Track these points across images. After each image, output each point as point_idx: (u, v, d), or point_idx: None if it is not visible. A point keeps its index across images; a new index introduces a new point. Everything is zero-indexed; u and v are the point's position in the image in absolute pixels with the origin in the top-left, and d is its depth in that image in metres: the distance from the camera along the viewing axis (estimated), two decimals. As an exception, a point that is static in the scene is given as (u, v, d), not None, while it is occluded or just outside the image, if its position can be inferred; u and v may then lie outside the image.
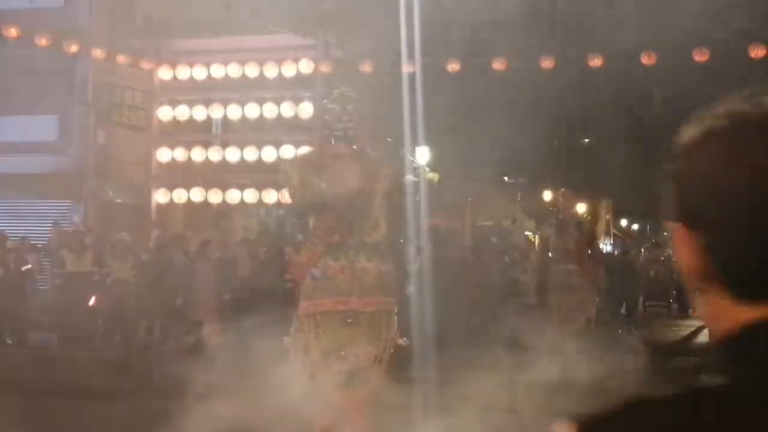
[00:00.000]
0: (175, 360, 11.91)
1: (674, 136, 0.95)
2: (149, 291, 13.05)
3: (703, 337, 16.66)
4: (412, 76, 14.50)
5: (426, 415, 7.42)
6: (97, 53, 16.03)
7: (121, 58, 16.52)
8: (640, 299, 20.77)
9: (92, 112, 17.35)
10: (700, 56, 14.49)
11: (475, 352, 11.76)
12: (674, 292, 21.75)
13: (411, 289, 12.88)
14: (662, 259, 22.31)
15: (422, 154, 16.25)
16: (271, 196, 15.49)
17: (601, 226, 28.81)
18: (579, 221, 11.82)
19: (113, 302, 13.02)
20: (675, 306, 21.55)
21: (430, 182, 16.02)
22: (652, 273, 21.55)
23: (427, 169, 16.06)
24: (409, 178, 16.09)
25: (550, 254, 11.05)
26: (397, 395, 8.44)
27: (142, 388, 9.15)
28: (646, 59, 14.86)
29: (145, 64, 16.49)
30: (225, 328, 13.39)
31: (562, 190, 11.37)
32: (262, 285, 13.44)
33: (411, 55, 14.34)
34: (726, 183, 0.89)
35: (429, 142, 16.04)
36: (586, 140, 26.62)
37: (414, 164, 15.93)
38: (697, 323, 18.63)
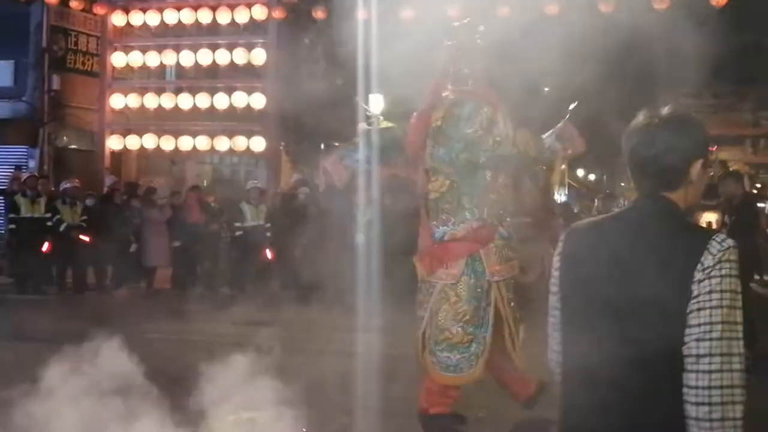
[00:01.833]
0: (127, 304, 12.10)
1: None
2: (101, 237, 13.10)
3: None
4: (366, 22, 14.46)
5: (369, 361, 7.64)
6: (52, -2, 15.91)
7: (74, 4, 16.37)
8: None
9: (47, 58, 17.23)
10: (658, 4, 14.50)
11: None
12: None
13: (360, 238, 13.03)
14: (615, 210, 22.48)
15: (377, 102, 16.23)
16: (223, 144, 15.49)
17: (556, 177, 29.10)
18: (533, 172, 11.53)
19: (66, 247, 13.05)
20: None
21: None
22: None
23: (382, 117, 16.03)
24: (363, 126, 16.15)
25: None
26: (342, 343, 8.70)
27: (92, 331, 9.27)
28: (604, 7, 14.85)
29: (99, 10, 16.32)
30: (175, 274, 13.58)
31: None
32: (212, 232, 13.56)
33: (366, 1, 14.29)
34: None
35: (384, 90, 16.02)
36: (545, 88, 26.69)
37: (368, 113, 15.92)
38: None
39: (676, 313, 2.10)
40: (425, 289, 5.57)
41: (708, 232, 2.23)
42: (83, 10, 16.83)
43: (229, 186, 16.21)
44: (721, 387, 2.05)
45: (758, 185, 28.61)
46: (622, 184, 31.53)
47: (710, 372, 2.05)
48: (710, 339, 2.06)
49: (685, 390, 2.10)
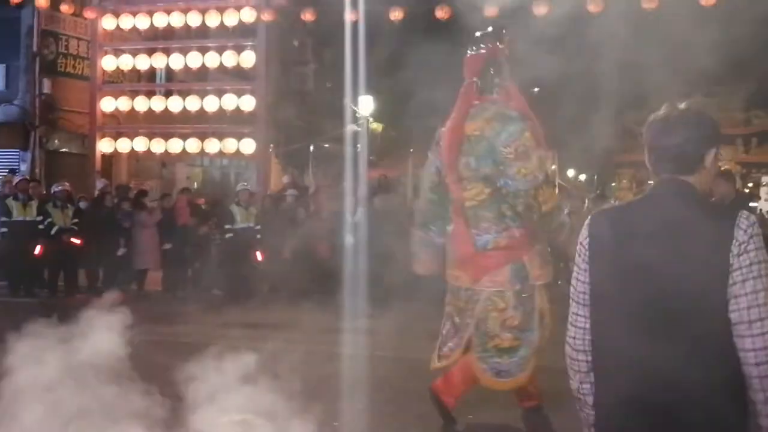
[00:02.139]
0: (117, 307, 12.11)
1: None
2: (92, 240, 13.16)
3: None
4: (355, 24, 14.56)
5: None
6: (42, 2, 15.96)
7: (65, 8, 16.42)
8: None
9: (38, 62, 17.32)
10: (647, 3, 14.55)
11: (409, 302, 12.08)
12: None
13: (349, 239, 13.10)
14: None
15: (366, 104, 16.32)
16: (213, 146, 15.55)
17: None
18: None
19: (57, 250, 13.09)
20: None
21: (373, 132, 16.10)
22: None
23: (371, 119, 16.13)
24: (352, 127, 16.26)
25: None
26: (327, 344, 8.76)
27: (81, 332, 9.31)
28: (593, 7, 14.90)
29: (89, 14, 16.38)
30: (166, 277, 13.62)
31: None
32: (202, 234, 13.62)
33: (354, 3, 14.37)
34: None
35: (373, 91, 16.12)
36: (535, 89, 26.70)
37: (357, 114, 16.02)
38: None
39: (716, 283, 2.38)
40: (467, 297, 5.67)
41: (731, 209, 2.50)
42: (74, 14, 16.91)
43: (219, 188, 16.27)
44: None
45: (750, 184, 28.75)
46: (613, 184, 31.62)
47: (763, 334, 2.36)
48: (758, 305, 2.36)
49: (742, 354, 2.37)
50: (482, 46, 5.80)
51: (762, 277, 2.38)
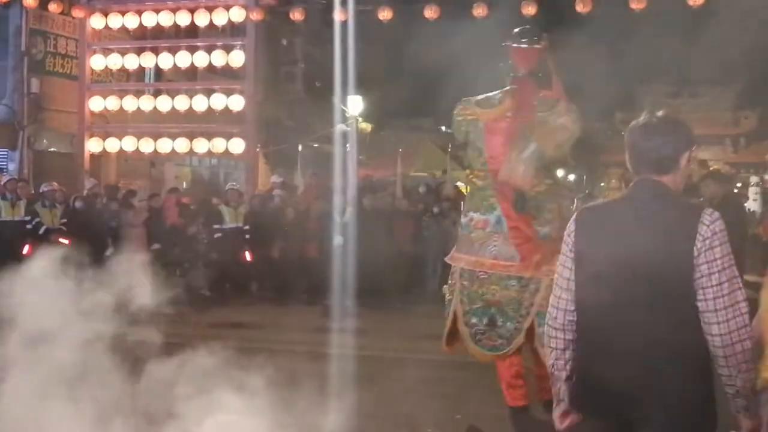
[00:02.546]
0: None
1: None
2: (80, 240, 13.08)
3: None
4: (344, 24, 14.54)
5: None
6: (30, 1, 15.88)
7: (53, 7, 16.33)
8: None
9: (26, 61, 17.24)
10: (636, 4, 14.53)
11: (398, 302, 12.10)
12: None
13: (339, 239, 13.09)
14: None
15: (355, 104, 16.31)
16: (202, 146, 15.51)
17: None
18: None
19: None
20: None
21: (362, 132, 16.09)
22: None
23: (360, 118, 16.12)
24: (341, 127, 16.25)
25: None
26: (313, 343, 8.75)
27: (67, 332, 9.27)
28: (580, 7, 14.89)
29: (77, 13, 16.30)
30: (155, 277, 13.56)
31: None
32: (191, 234, 13.58)
33: (343, 2, 14.36)
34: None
35: (362, 91, 16.11)
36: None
37: (346, 114, 16.01)
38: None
39: (682, 273, 2.74)
40: (520, 286, 5.77)
41: (697, 206, 2.88)
42: (62, 13, 16.81)
43: (208, 188, 16.23)
44: (738, 329, 2.73)
45: (739, 184, 28.81)
46: (602, 184, 31.61)
47: (727, 320, 2.72)
48: (722, 296, 2.72)
49: (709, 338, 2.74)
50: (534, 40, 5.92)
51: (725, 270, 2.73)
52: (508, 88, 5.94)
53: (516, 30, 6.05)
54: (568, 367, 2.97)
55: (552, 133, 5.73)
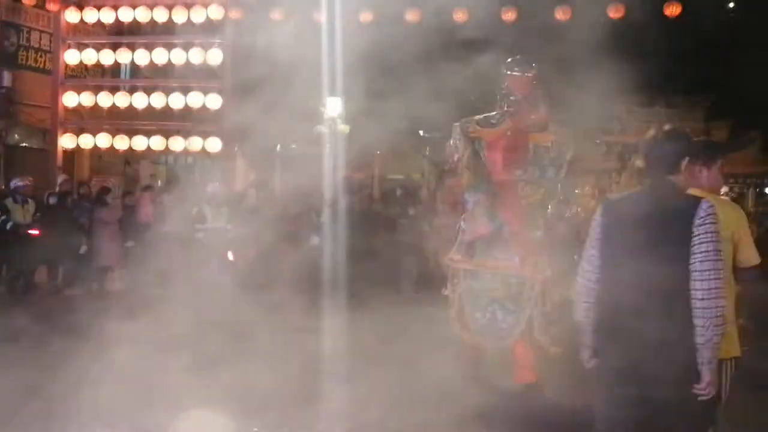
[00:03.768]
0: (78, 305, 11.88)
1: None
2: (53, 236, 12.87)
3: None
4: (324, 25, 14.41)
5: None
6: (2, -7, 15.64)
7: (26, 0, 16.11)
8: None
9: (-3, 54, 16.97)
10: (614, 13, 14.63)
11: (375, 301, 12.01)
12: (577, 248, 22.19)
13: (316, 239, 13.01)
14: (567, 215, 22.65)
15: (334, 105, 16.19)
16: (178, 144, 15.32)
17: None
18: None
19: (15, 247, 12.79)
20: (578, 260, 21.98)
21: (340, 134, 15.99)
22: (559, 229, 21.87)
23: (339, 120, 16.02)
24: (320, 128, 16.13)
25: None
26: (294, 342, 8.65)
27: (45, 332, 9.12)
28: (560, 15, 14.96)
29: (52, 6, 16.03)
30: (128, 275, 13.37)
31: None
32: (166, 232, 13.39)
33: (324, 4, 14.23)
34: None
35: (343, 93, 15.99)
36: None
37: (325, 115, 15.91)
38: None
39: (683, 245, 3.58)
40: (518, 283, 6.85)
41: (697, 197, 3.71)
42: (36, 5, 16.57)
43: (186, 187, 16.02)
44: (716, 288, 3.55)
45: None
46: (576, 191, 31.83)
47: (708, 279, 3.55)
48: (707, 260, 3.56)
49: (692, 292, 3.56)
50: (526, 69, 6.91)
51: (712, 242, 3.57)
52: (505, 110, 6.93)
53: (510, 59, 7.00)
54: (590, 322, 3.87)
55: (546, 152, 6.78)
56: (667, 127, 3.86)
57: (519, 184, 6.84)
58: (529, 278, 6.75)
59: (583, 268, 3.91)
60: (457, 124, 7.10)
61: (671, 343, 3.56)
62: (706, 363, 3.56)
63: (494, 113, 7.02)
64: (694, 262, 3.56)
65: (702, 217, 3.59)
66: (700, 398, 3.59)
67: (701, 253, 3.56)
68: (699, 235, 3.57)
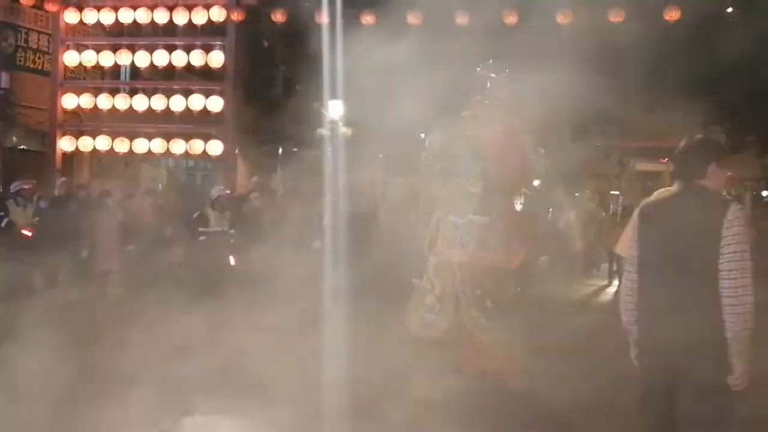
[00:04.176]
0: (77, 308, 11.76)
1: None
2: (52, 240, 12.74)
3: (603, 297, 17.13)
4: (326, 27, 14.32)
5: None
6: (-1, -7, 15.50)
7: (25, 0, 15.96)
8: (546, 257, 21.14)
9: (-6, 55, 16.82)
10: (614, 17, 14.58)
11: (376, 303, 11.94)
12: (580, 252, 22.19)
13: (318, 243, 12.90)
14: (570, 219, 22.62)
15: (336, 108, 16.11)
16: (179, 147, 15.19)
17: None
18: None
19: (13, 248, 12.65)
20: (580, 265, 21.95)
21: (343, 137, 15.92)
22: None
23: (341, 123, 15.94)
24: (321, 131, 16.05)
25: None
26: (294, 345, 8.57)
27: (45, 336, 9.01)
28: (561, 19, 14.90)
29: (51, 7, 15.90)
30: (128, 278, 13.25)
31: None
32: (167, 236, 13.28)
33: (326, 5, 14.16)
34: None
35: (345, 96, 15.91)
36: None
37: (328, 118, 15.83)
38: (599, 283, 19.12)
39: (714, 245, 3.87)
40: (508, 274, 7.42)
41: (727, 200, 4.04)
42: (34, 6, 16.42)
43: (188, 190, 15.93)
44: (743, 286, 3.84)
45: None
46: (576, 194, 31.81)
47: (736, 278, 3.84)
48: (735, 260, 3.86)
49: (723, 290, 3.85)
50: (501, 72, 7.56)
51: (740, 244, 3.86)
52: (486, 110, 7.56)
53: (488, 62, 7.72)
54: (634, 321, 4.21)
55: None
56: (698, 135, 4.22)
57: (470, 178, 7.37)
58: (514, 271, 7.34)
59: (626, 269, 4.32)
60: (449, 124, 7.72)
61: (705, 337, 3.88)
62: (737, 355, 3.87)
63: (476, 112, 7.66)
64: (723, 262, 3.84)
65: (730, 220, 3.87)
66: (733, 388, 3.89)
67: (729, 253, 3.85)
68: (727, 237, 3.85)
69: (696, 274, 3.91)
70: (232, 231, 12.95)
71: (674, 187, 4.16)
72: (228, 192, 13.57)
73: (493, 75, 7.55)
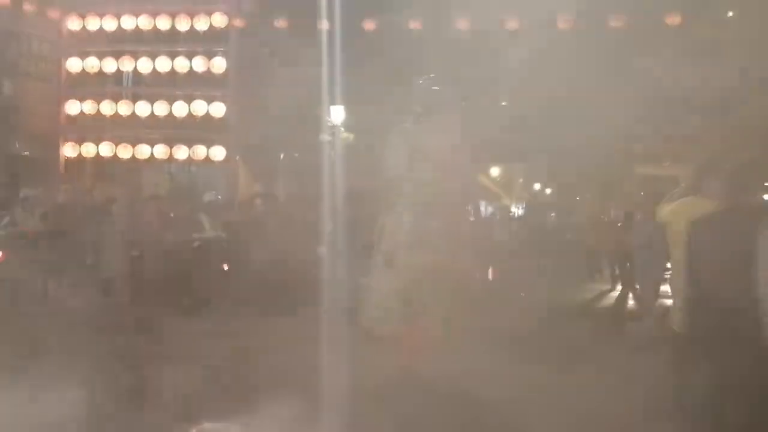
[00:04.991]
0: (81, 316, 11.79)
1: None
2: (56, 246, 12.80)
3: (607, 301, 17.13)
4: (327, 33, 14.38)
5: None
6: (3, 0, 15.52)
7: (27, 6, 16.01)
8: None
9: (-3, 62, 16.85)
10: (615, 22, 14.66)
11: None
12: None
13: (322, 249, 12.91)
14: (573, 222, 22.70)
15: (338, 114, 16.15)
16: (181, 152, 15.25)
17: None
18: None
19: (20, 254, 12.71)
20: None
21: (344, 142, 15.98)
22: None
23: (343, 128, 15.99)
24: (323, 137, 16.07)
25: None
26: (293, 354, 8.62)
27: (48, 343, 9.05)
28: (562, 24, 14.97)
29: (53, 14, 15.98)
30: (133, 285, 13.26)
31: None
32: (170, 242, 13.31)
33: (328, 12, 14.21)
34: None
35: (346, 101, 15.97)
36: (503, 103, 26.87)
37: (329, 124, 15.87)
38: (601, 288, 19.12)
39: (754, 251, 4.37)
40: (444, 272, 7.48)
41: (764, 213, 4.57)
42: (37, 13, 16.45)
43: (187, 196, 15.95)
44: None
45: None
46: (577, 198, 31.79)
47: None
48: None
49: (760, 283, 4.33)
50: (437, 85, 7.92)
51: None
52: (426, 116, 7.77)
53: (426, 76, 8.02)
54: (685, 319, 4.82)
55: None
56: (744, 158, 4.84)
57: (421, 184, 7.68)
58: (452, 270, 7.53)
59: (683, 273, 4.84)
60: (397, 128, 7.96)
61: (752, 327, 4.35)
62: None
63: (420, 118, 7.91)
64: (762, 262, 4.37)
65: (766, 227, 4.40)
66: None
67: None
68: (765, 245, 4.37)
69: (743, 277, 4.47)
70: (225, 236, 13.03)
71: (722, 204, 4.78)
72: (219, 196, 13.63)
73: (435, 87, 7.95)
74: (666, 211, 5.62)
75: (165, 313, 11.23)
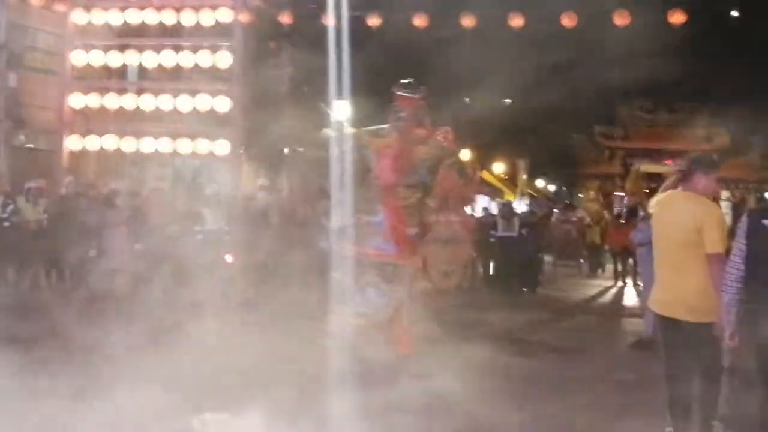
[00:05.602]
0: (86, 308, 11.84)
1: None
2: (60, 238, 12.86)
3: (608, 296, 17.20)
4: (332, 29, 14.38)
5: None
6: (10, -6, 15.60)
7: (34, 0, 16.05)
8: (551, 258, 21.28)
9: (3, 55, 16.87)
10: (620, 20, 14.64)
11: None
12: (585, 253, 22.33)
13: (325, 243, 12.94)
14: (574, 220, 22.79)
15: (342, 109, 16.13)
16: (185, 146, 15.29)
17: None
18: (461, 166, 10.29)
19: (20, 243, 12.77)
20: (585, 266, 22.08)
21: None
22: (565, 233, 22.01)
23: (347, 123, 15.94)
24: (328, 132, 16.03)
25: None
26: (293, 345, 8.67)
27: (50, 335, 9.10)
28: (567, 21, 14.95)
29: (59, 7, 16.01)
30: (136, 277, 13.31)
31: (446, 128, 9.07)
32: (174, 235, 13.36)
33: (335, 7, 14.21)
34: None
35: (351, 96, 15.96)
36: (507, 100, 26.96)
37: (333, 118, 15.85)
38: (604, 284, 19.20)
39: None
40: (393, 271, 8.06)
41: None
42: (43, 6, 16.50)
43: (190, 189, 16.01)
44: None
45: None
46: (580, 195, 32.00)
47: None
48: None
49: None
50: (415, 91, 8.23)
51: None
52: (393, 124, 8.21)
53: (401, 81, 8.30)
54: (737, 304, 4.90)
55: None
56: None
57: (399, 188, 8.05)
58: (404, 268, 8.00)
59: (733, 260, 4.98)
60: (355, 133, 8.60)
61: None
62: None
63: (385, 125, 8.39)
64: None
65: None
66: None
67: None
68: None
69: None
70: (227, 229, 13.08)
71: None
72: (216, 188, 13.69)
73: (404, 94, 8.16)
74: (652, 203, 5.82)
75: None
